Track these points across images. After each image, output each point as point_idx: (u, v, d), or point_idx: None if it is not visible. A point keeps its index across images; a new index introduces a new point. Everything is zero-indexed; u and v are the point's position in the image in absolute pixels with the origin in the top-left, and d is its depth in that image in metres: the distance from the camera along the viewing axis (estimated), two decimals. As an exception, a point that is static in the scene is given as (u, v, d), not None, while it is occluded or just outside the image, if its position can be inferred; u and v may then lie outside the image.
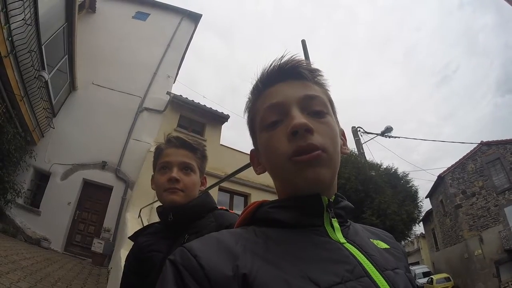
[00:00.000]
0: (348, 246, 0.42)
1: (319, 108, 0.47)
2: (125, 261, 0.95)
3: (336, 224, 0.44)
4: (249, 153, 0.56)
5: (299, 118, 0.43)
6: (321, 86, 0.51)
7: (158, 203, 0.95)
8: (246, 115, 0.55)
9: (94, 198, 7.84)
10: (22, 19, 5.11)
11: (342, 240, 0.43)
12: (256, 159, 0.53)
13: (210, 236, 0.40)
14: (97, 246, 6.73)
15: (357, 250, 0.41)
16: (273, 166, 0.47)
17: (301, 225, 0.43)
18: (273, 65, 0.49)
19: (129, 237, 1.02)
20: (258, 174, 0.53)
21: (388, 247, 0.48)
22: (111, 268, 5.49)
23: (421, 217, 10.60)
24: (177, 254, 0.37)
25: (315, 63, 0.52)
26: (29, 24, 5.35)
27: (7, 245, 5.03)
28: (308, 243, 0.40)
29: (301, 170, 0.42)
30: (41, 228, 6.99)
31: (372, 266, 0.39)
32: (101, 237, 6.98)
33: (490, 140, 15.28)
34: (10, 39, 5.01)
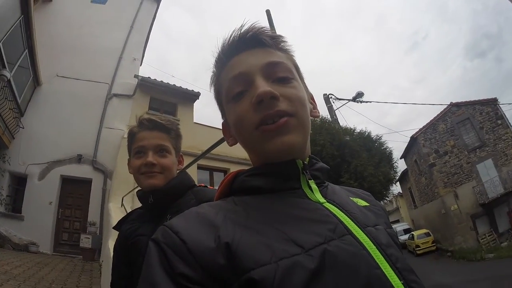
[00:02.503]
0: (328, 205, 0.42)
1: (284, 74, 0.46)
2: (113, 252, 0.96)
3: (313, 185, 0.45)
4: None
5: (263, 86, 0.43)
6: (285, 52, 0.50)
7: (138, 189, 0.97)
8: (212, 88, 0.54)
9: (74, 193, 7.72)
10: None
11: (322, 199, 0.43)
12: (228, 131, 0.53)
13: (190, 211, 0.40)
14: (85, 241, 6.71)
15: (337, 209, 0.42)
16: (242, 137, 0.47)
17: (279, 189, 0.44)
18: (233, 35, 0.48)
19: (113, 227, 1.02)
20: (230, 145, 0.54)
21: (368, 204, 0.49)
22: (102, 261, 5.52)
23: (397, 177, 11.14)
24: (159, 233, 0.37)
25: (286, 34, 0.52)
26: None
27: None
28: (287, 206, 0.40)
29: (270, 139, 0.42)
30: (26, 233, 6.84)
31: (354, 224, 0.40)
32: (87, 232, 6.95)
33: (459, 101, 15.89)
34: None
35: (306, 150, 0.47)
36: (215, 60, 0.51)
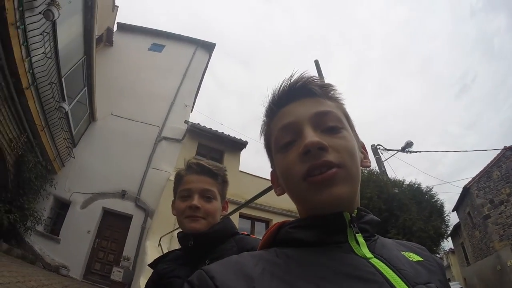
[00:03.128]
0: (375, 261, 0.39)
1: (333, 123, 0.46)
2: None
3: (361, 239, 0.42)
4: (269, 178, 0.56)
5: (311, 136, 0.43)
6: (335, 100, 0.50)
7: (178, 231, 0.95)
8: (262, 137, 0.55)
9: (113, 226, 7.88)
10: (43, 53, 5.34)
11: (369, 254, 0.40)
12: (276, 180, 0.52)
13: (230, 258, 0.40)
14: (117, 274, 6.68)
15: (385, 265, 0.39)
16: (289, 188, 0.46)
17: (324, 243, 0.42)
18: (283, 85, 0.49)
19: (148, 265, 1.01)
20: (278, 195, 0.53)
21: (421, 259, 0.46)
22: None
23: (449, 232, 10.13)
24: (195, 276, 0.37)
25: (332, 82, 0.51)
26: (49, 57, 5.59)
27: (25, 271, 5.01)
28: (330, 261, 0.38)
29: (317, 190, 0.41)
30: (60, 255, 7.04)
31: (402, 282, 0.37)
32: (120, 265, 6.95)
33: (513, 144, 14.61)
34: (31, 71, 5.23)
35: (355, 202, 0.45)
36: (266, 110, 0.52)
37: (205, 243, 0.87)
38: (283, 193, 0.51)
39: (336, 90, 0.51)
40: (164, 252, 1.10)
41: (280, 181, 0.50)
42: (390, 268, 0.39)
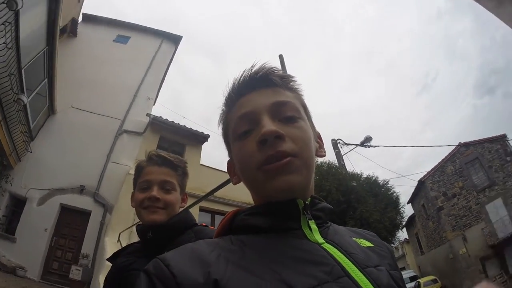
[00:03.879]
0: (327, 246, 0.41)
1: (291, 113, 0.47)
2: (104, 283, 0.92)
3: (313, 225, 0.44)
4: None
5: (268, 125, 0.43)
6: (294, 91, 0.51)
7: (137, 224, 0.96)
8: (220, 126, 0.55)
9: (71, 223, 7.61)
10: (3, 43, 5.07)
11: (321, 240, 0.42)
12: (233, 170, 0.53)
13: (185, 246, 0.40)
14: (75, 273, 6.53)
15: (336, 250, 0.41)
16: (246, 176, 0.47)
17: (278, 229, 0.43)
18: (244, 75, 0.50)
19: (107, 259, 0.99)
20: (234, 184, 0.54)
21: (372, 245, 0.48)
22: None
23: (403, 223, 10.80)
24: (151, 264, 0.37)
25: (299, 79, 0.53)
26: (9, 48, 5.29)
27: None
28: (284, 247, 0.40)
29: (271, 179, 0.42)
30: (16, 256, 6.71)
31: (352, 265, 0.39)
32: (79, 263, 6.77)
33: (468, 141, 15.56)
34: None
35: (308, 190, 0.46)
36: (225, 99, 0.52)
37: (163, 234, 0.86)
38: (240, 181, 0.51)
39: (295, 81, 0.52)
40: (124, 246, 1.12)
41: (236, 169, 0.51)
42: (341, 252, 0.40)
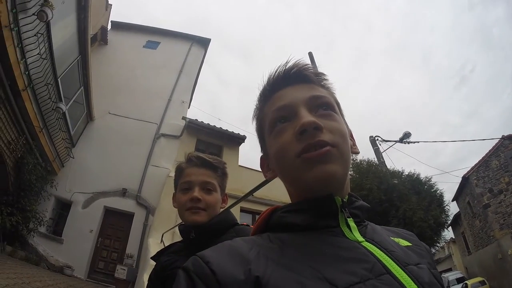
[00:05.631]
0: (366, 244, 0.40)
1: (327, 107, 0.47)
2: (148, 282, 0.95)
3: (352, 223, 0.43)
4: None
5: (307, 116, 0.44)
6: (327, 88, 0.52)
7: (180, 224, 0.97)
8: (254, 122, 0.55)
9: (116, 225, 7.92)
10: (38, 54, 5.30)
11: (360, 238, 0.41)
12: (266, 165, 0.53)
13: (223, 243, 0.40)
14: (121, 272, 6.72)
15: (376, 248, 0.40)
16: (282, 168, 0.46)
17: (316, 227, 0.42)
18: (278, 70, 0.50)
19: (151, 257, 1.01)
20: (268, 179, 0.54)
21: (410, 244, 0.47)
22: None
23: (449, 222, 10.18)
24: (190, 262, 0.37)
25: (331, 76, 0.53)
26: (44, 58, 5.54)
27: (30, 272, 5.04)
28: (323, 244, 0.39)
29: (311, 167, 0.41)
30: (64, 256, 7.08)
31: (393, 262, 0.38)
32: (124, 263, 6.99)
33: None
34: (27, 73, 5.19)
35: (345, 187, 0.46)
36: (260, 94, 0.53)
37: (206, 234, 0.88)
38: (275, 176, 0.52)
39: (328, 79, 0.52)
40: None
41: (271, 163, 0.50)
42: (381, 250, 0.40)
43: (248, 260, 0.36)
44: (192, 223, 0.90)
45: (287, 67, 0.50)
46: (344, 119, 0.52)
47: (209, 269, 0.34)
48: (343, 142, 0.45)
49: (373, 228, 0.47)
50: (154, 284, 0.92)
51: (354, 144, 0.53)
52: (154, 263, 0.99)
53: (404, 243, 0.46)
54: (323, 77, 0.52)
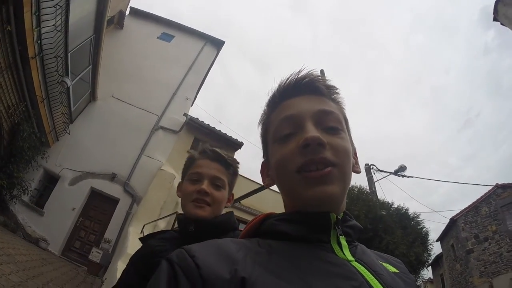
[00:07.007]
0: (355, 264, 0.40)
1: (334, 124, 0.46)
2: (130, 261, 0.89)
3: (344, 242, 0.43)
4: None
5: (312, 131, 0.43)
6: (337, 103, 0.51)
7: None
8: (260, 127, 0.55)
9: (99, 207, 7.87)
10: (53, 25, 5.34)
11: (350, 257, 0.41)
12: (266, 171, 0.53)
13: (211, 241, 0.40)
14: (95, 255, 6.67)
15: (364, 268, 0.40)
16: (281, 178, 0.46)
17: (307, 239, 0.42)
18: (290, 78, 0.49)
19: (139, 238, 0.98)
20: (266, 185, 0.53)
21: (398, 271, 0.47)
22: (105, 278, 5.46)
23: (430, 261, 10.12)
24: (174, 253, 0.37)
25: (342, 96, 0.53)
26: (58, 31, 5.58)
27: (4, 238, 4.99)
28: (313, 257, 0.39)
29: (310, 186, 0.41)
30: (41, 228, 7.03)
31: (380, 286, 0.38)
32: (100, 247, 6.93)
33: (506, 182, 14.50)
34: (39, 42, 5.22)
35: (342, 205, 0.46)
36: (268, 100, 0.52)
37: (206, 231, 0.84)
38: (272, 184, 0.51)
39: (339, 93, 0.52)
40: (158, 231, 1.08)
41: (271, 171, 0.50)
42: (370, 272, 0.39)
43: (236, 260, 0.35)
44: (194, 216, 0.86)
45: (299, 76, 0.49)
46: (350, 136, 0.51)
47: (193, 263, 0.34)
48: (345, 162, 0.44)
49: (363, 249, 0.46)
50: (136, 268, 0.86)
51: (357, 163, 0.53)
52: (130, 252, 0.97)
53: (392, 269, 0.46)
54: (335, 90, 0.51)
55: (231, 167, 0.95)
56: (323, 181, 0.41)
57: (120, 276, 0.88)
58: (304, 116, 0.46)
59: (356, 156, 0.54)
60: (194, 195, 0.88)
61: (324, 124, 0.46)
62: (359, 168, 0.53)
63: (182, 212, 0.93)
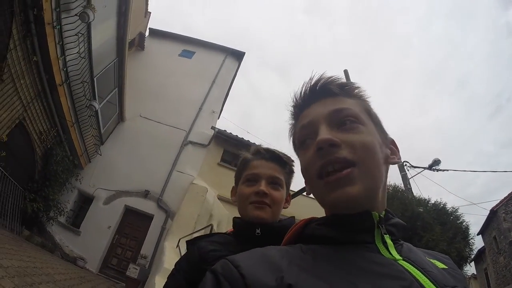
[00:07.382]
0: (403, 263, 0.39)
1: (348, 119, 0.46)
2: (176, 265, 0.84)
3: (389, 241, 0.42)
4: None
5: (323, 134, 0.44)
6: (355, 97, 0.50)
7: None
8: (290, 139, 0.55)
9: (134, 224, 8.07)
10: (77, 52, 5.62)
11: (397, 256, 0.40)
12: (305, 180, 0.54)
13: (255, 250, 0.40)
14: (132, 271, 6.79)
15: (413, 267, 0.39)
16: (309, 185, 0.47)
17: (350, 241, 0.41)
18: (304, 88, 0.50)
19: (187, 241, 0.92)
20: (307, 194, 0.54)
21: (446, 267, 0.46)
22: None
23: (472, 256, 9.61)
24: (219, 264, 0.37)
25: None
26: (83, 57, 5.86)
27: (43, 258, 5.13)
28: (358, 259, 0.38)
29: (331, 190, 0.41)
30: (79, 247, 7.26)
31: (431, 283, 0.37)
32: (137, 263, 7.07)
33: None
34: (65, 69, 5.50)
35: (379, 202, 0.44)
36: (290, 113, 0.54)
37: (273, 234, 0.77)
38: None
39: (358, 87, 0.51)
40: (182, 254, 1.00)
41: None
42: (419, 270, 0.39)
43: (281, 268, 0.35)
44: (255, 219, 0.82)
45: (312, 83, 0.50)
46: (379, 127, 0.50)
47: (238, 273, 0.34)
48: (367, 156, 0.43)
49: (409, 247, 0.46)
50: (184, 271, 0.80)
51: (394, 153, 0.50)
52: (167, 267, 0.92)
53: (440, 265, 0.45)
54: (350, 86, 0.50)
55: (287, 165, 0.92)
56: (342, 183, 0.41)
57: (168, 279, 0.83)
58: (317, 120, 0.47)
59: (394, 145, 0.52)
60: (252, 197, 0.83)
61: (338, 123, 0.46)
62: (397, 158, 0.50)
63: (239, 217, 0.88)
